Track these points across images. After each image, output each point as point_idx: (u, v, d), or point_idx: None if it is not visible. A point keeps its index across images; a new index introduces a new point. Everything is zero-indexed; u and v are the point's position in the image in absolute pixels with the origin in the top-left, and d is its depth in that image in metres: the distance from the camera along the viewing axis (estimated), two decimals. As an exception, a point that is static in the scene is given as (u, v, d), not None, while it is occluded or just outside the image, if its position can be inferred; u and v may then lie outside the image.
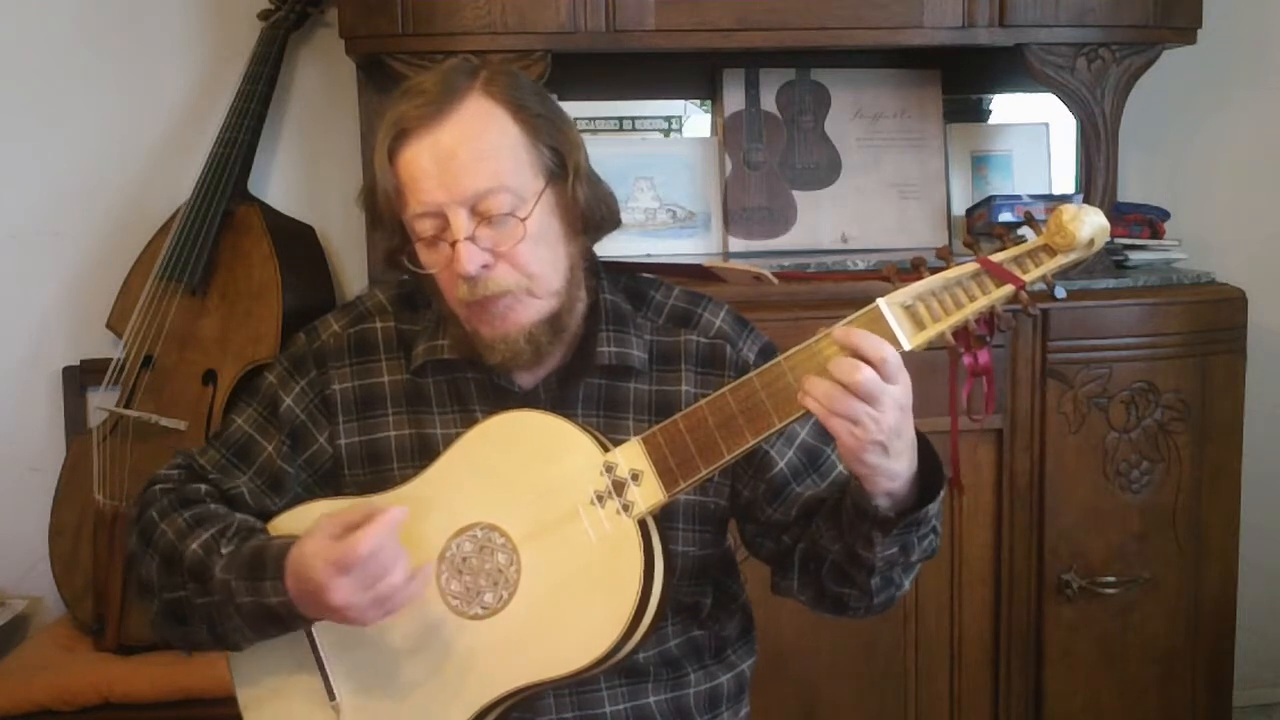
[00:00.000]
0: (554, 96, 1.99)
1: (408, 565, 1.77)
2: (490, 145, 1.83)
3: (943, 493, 1.83)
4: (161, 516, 1.94)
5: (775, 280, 2.02)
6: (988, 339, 1.72)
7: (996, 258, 1.71)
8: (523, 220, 1.82)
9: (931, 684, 3.24)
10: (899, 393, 1.68)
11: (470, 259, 1.80)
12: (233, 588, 1.83)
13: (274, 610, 1.82)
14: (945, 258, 1.73)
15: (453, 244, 1.81)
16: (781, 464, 1.97)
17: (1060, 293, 1.74)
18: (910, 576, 1.92)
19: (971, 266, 1.71)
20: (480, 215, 1.81)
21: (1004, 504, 3.18)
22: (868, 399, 1.66)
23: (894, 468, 1.72)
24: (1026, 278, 1.70)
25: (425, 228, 1.83)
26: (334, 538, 1.76)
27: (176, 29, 3.54)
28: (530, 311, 1.86)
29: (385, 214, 1.88)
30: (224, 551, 1.86)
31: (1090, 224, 1.68)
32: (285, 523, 1.96)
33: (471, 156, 1.81)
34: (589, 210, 1.93)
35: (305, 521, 1.93)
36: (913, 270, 1.72)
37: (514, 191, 1.82)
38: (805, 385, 1.69)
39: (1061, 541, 3.18)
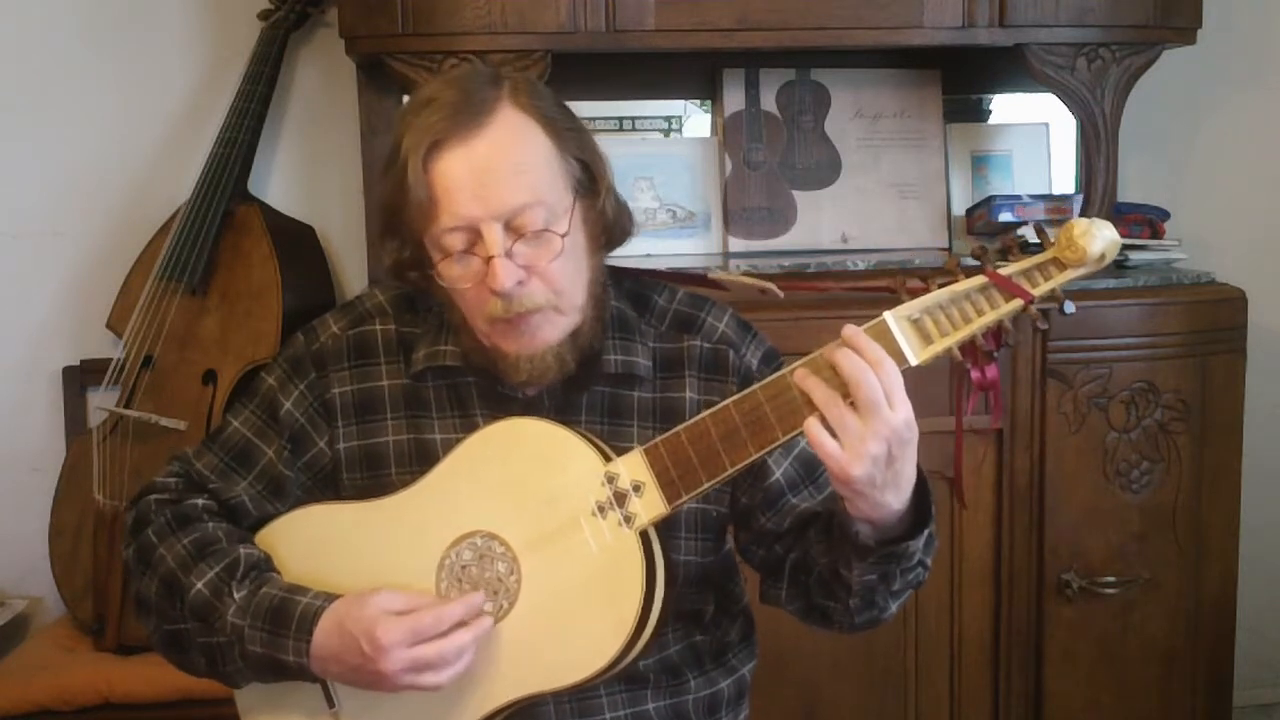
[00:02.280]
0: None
1: (462, 669, 1.79)
2: (525, 158, 1.80)
3: (930, 529, 1.81)
4: (160, 538, 1.93)
5: (780, 294, 2.00)
6: (995, 354, 1.71)
7: (1005, 271, 1.70)
8: (562, 236, 1.80)
9: (931, 684, 3.24)
10: (896, 423, 1.66)
11: (507, 275, 1.77)
12: (245, 635, 1.83)
13: (284, 665, 1.82)
14: (953, 269, 1.72)
15: (487, 259, 1.78)
16: (778, 474, 1.97)
17: (1069, 308, 1.72)
18: (897, 602, 1.91)
19: (979, 280, 1.69)
20: (515, 231, 1.78)
21: (1004, 504, 3.17)
22: (863, 408, 1.65)
23: (878, 498, 1.71)
24: (1035, 292, 1.69)
25: (455, 242, 1.80)
26: (401, 611, 1.78)
27: (176, 29, 3.54)
28: (557, 329, 1.85)
29: (407, 227, 1.84)
30: (237, 595, 1.84)
31: (1102, 239, 1.66)
32: (282, 528, 1.96)
33: (509, 170, 1.78)
34: (613, 225, 1.93)
35: (301, 527, 1.94)
36: (920, 282, 1.71)
37: (548, 206, 1.80)
38: (805, 385, 1.68)
39: (1061, 541, 3.18)
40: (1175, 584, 3.25)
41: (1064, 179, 3.73)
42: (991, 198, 3.48)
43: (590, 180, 1.88)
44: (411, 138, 1.80)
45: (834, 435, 1.67)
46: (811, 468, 1.99)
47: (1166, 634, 3.26)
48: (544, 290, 1.81)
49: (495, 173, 1.78)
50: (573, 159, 1.85)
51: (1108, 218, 3.25)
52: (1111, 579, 3.19)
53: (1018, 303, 1.68)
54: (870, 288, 1.72)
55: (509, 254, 1.78)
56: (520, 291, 1.80)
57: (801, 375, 1.69)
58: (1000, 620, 3.22)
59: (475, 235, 1.78)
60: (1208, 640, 3.30)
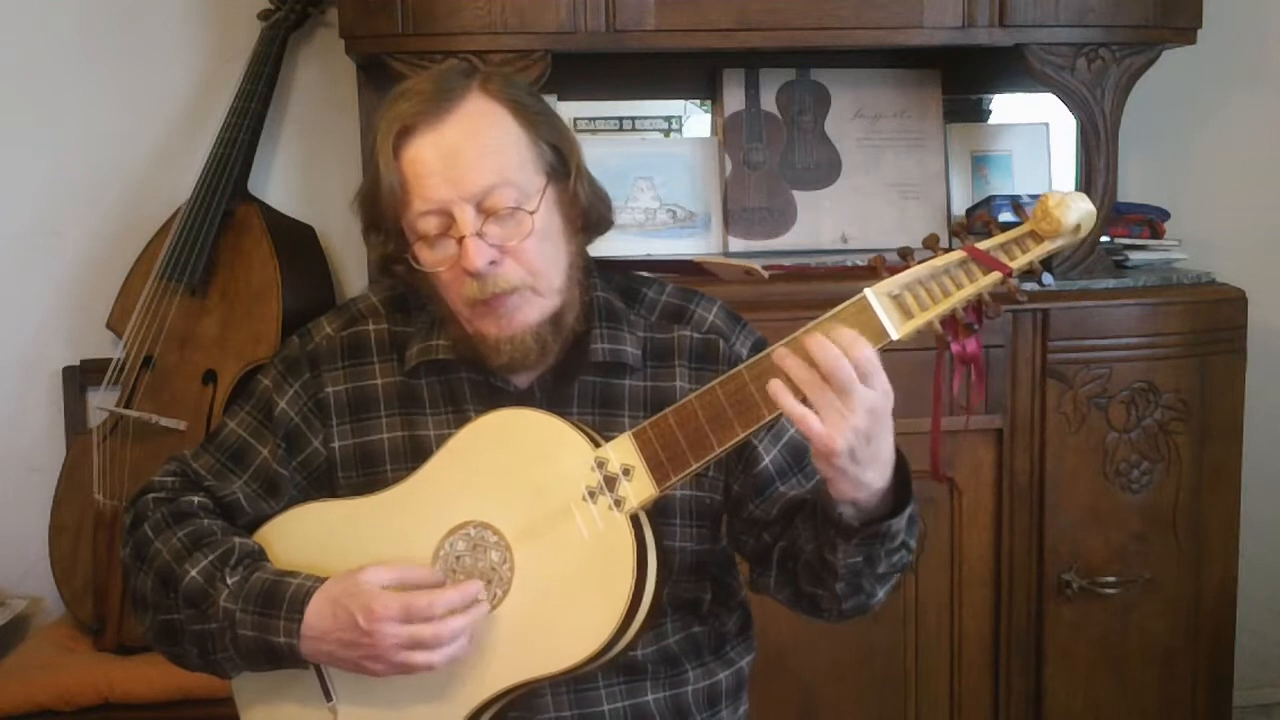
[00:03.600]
0: (553, 97, 1.99)
1: (457, 652, 1.80)
2: (494, 141, 1.83)
3: (910, 510, 1.82)
4: (156, 533, 1.94)
5: (766, 275, 2.02)
6: (976, 327, 1.72)
7: (983, 245, 1.71)
8: (531, 214, 1.83)
9: (931, 684, 3.24)
10: (873, 397, 1.67)
11: (479, 254, 1.79)
12: (237, 619, 1.84)
13: (275, 648, 1.82)
14: (933, 246, 1.73)
15: (459, 240, 1.81)
16: (767, 460, 1.98)
17: (1048, 280, 1.74)
18: (884, 588, 1.92)
19: (958, 255, 1.70)
20: (486, 211, 1.81)
21: (1004, 504, 3.17)
22: (839, 390, 1.66)
23: (861, 477, 1.72)
24: (1013, 265, 1.69)
25: (430, 226, 1.82)
26: (390, 581, 1.80)
27: (176, 29, 3.55)
28: (535, 310, 1.86)
29: (385, 216, 1.87)
30: (229, 581, 1.86)
31: (1076, 209, 1.67)
32: (278, 527, 1.97)
33: (476, 152, 1.81)
34: (589, 209, 1.94)
35: (297, 525, 1.95)
36: (900, 260, 1.73)
37: (519, 187, 1.83)
38: (783, 364, 1.69)
39: (1061, 541, 3.18)
40: (1175, 584, 3.25)
41: (1064, 179, 3.71)
42: (991, 198, 3.49)
43: (562, 164, 1.90)
44: (384, 127, 1.84)
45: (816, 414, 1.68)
46: (800, 455, 1.99)
47: (1166, 634, 3.26)
48: (519, 270, 1.83)
49: (463, 155, 1.81)
50: (544, 143, 1.88)
51: (1108, 218, 3.27)
52: (1111, 579, 3.19)
53: (996, 275, 1.69)
54: (855, 273, 1.73)
55: (480, 234, 1.80)
56: (494, 271, 1.82)
57: (781, 355, 1.70)
58: (1000, 620, 3.22)
59: (448, 218, 1.82)
60: (1208, 640, 3.29)
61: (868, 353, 1.67)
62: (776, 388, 1.68)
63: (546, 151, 1.88)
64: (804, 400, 1.68)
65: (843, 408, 1.66)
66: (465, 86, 1.85)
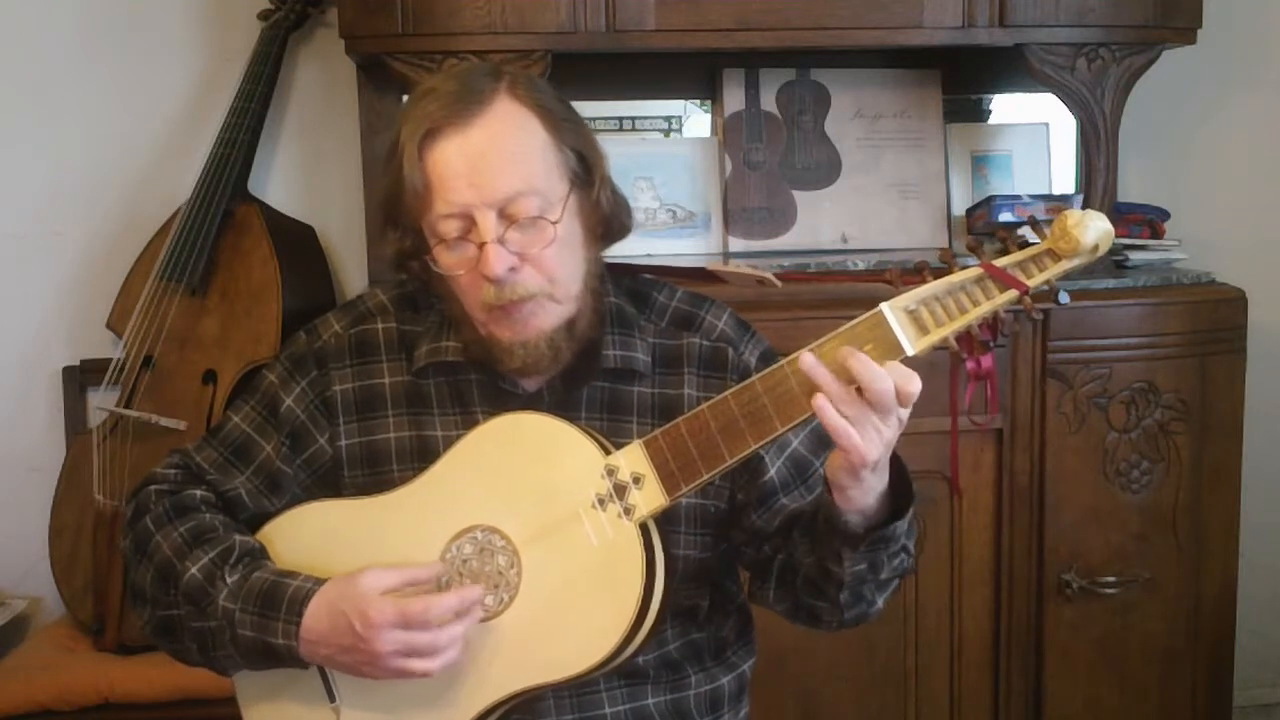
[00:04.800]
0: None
1: (452, 658, 1.80)
2: (520, 147, 1.82)
3: (911, 513, 1.83)
4: (157, 526, 1.94)
5: (779, 284, 2.01)
6: (990, 344, 1.72)
7: (1000, 262, 1.70)
8: (554, 223, 1.82)
9: (931, 684, 3.24)
10: (904, 415, 1.69)
11: (499, 261, 1.79)
12: (236, 618, 1.83)
13: (274, 649, 1.82)
14: (948, 261, 1.72)
15: (480, 246, 1.80)
16: (771, 472, 1.97)
17: (1064, 298, 1.73)
18: (884, 595, 1.92)
19: (975, 271, 1.70)
20: (508, 218, 1.80)
21: (1004, 504, 3.17)
22: (882, 411, 1.66)
23: (873, 484, 1.74)
24: (1030, 283, 1.69)
25: (450, 229, 1.82)
26: (392, 585, 1.79)
27: (176, 29, 3.54)
28: (551, 316, 1.86)
29: (405, 215, 1.86)
30: (229, 580, 1.85)
31: (1095, 229, 1.67)
32: (282, 525, 1.96)
33: (502, 158, 1.80)
34: (610, 217, 1.94)
35: (302, 524, 1.95)
36: (916, 274, 1.72)
37: (542, 195, 1.82)
38: (815, 374, 1.68)
39: (1061, 541, 3.18)
40: (1175, 584, 3.25)
41: (1064, 179, 3.73)
42: (991, 198, 3.48)
43: (586, 172, 1.89)
44: (409, 127, 1.83)
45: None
46: (803, 468, 1.99)
47: (1166, 634, 3.26)
48: (537, 278, 1.83)
49: (489, 160, 1.80)
50: (569, 150, 1.87)
51: (1108, 218, 3.27)
52: (1111, 579, 3.19)
53: (1012, 293, 1.69)
54: (866, 278, 1.73)
55: (502, 241, 1.80)
56: (513, 278, 1.81)
57: (810, 364, 1.69)
58: (1000, 620, 3.22)
59: (470, 222, 1.81)
60: (1208, 640, 3.29)
61: (917, 387, 1.67)
62: (821, 402, 1.67)
63: (571, 158, 1.87)
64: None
65: (880, 424, 1.67)
66: (493, 89, 1.84)
